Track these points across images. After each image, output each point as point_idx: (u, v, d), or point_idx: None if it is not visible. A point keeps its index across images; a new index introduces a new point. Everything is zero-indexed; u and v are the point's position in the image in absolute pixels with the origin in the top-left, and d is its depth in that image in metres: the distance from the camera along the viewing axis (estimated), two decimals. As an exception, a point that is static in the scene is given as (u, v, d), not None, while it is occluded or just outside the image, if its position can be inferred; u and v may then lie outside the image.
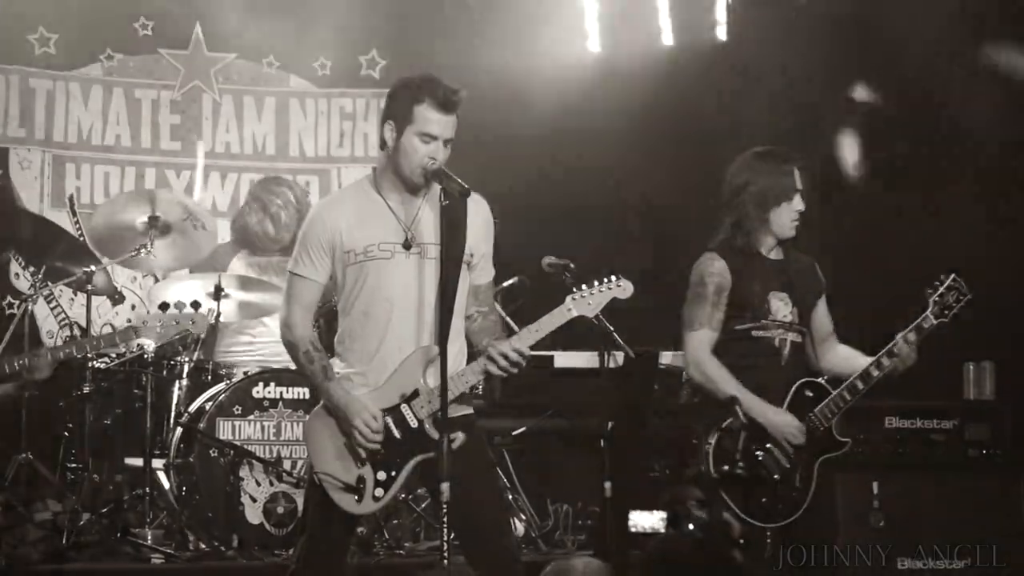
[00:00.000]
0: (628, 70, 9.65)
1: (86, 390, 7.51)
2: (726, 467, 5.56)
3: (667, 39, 9.69)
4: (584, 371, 6.48)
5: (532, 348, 5.08)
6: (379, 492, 5.06)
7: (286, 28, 9.73)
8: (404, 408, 5.07)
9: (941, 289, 5.73)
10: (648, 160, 9.38)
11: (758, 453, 5.62)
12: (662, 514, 5.05)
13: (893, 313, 6.00)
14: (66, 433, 7.61)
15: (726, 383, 5.68)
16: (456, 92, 5.11)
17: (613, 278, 5.22)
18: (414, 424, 5.05)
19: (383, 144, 5.19)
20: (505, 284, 7.79)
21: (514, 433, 7.91)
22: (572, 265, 6.34)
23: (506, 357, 5.01)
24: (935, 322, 5.72)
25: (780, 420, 5.67)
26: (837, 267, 6.21)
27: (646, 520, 4.93)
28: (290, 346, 5.23)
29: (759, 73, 9.33)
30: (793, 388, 5.74)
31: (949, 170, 8.76)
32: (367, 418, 5.03)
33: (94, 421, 7.60)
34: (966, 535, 6.82)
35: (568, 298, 5.17)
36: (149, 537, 7.20)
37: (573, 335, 5.82)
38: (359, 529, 6.74)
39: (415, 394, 5.06)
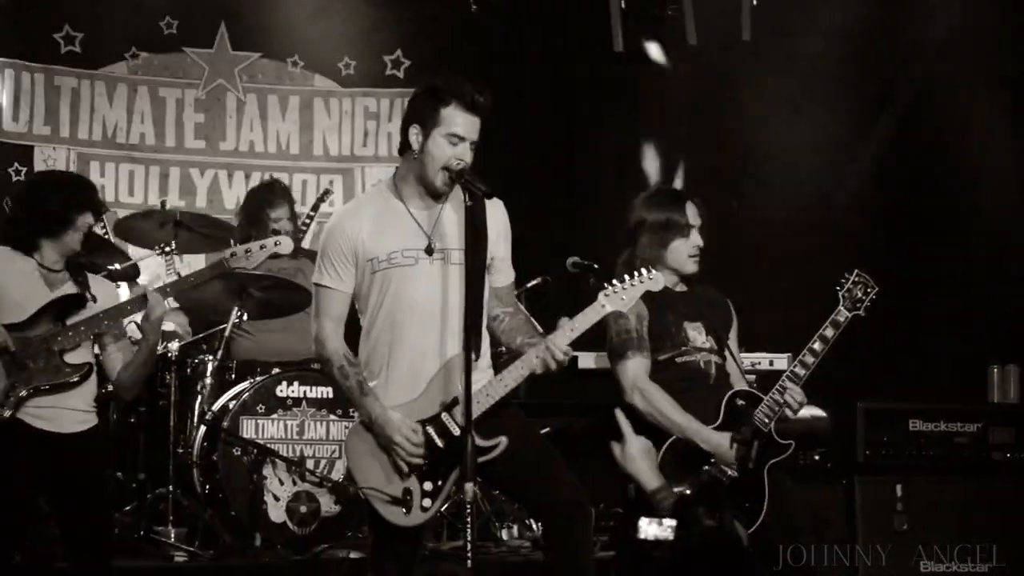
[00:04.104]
0: (652, 69, 9.65)
1: (110, 388, 7.52)
2: (675, 488, 5.58)
3: (691, 38, 9.67)
4: (608, 372, 6.46)
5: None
6: (427, 502, 5.05)
7: (311, 27, 9.75)
8: (445, 417, 5.05)
9: (848, 285, 5.84)
10: (672, 160, 9.39)
11: (705, 468, 5.64)
12: (671, 522, 5.02)
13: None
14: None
15: (669, 408, 5.72)
16: (482, 93, 5.09)
17: (644, 271, 5.23)
18: (456, 432, 5.01)
19: (405, 147, 5.16)
20: (529, 285, 7.79)
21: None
22: (597, 266, 6.34)
23: (554, 357, 5.02)
24: (849, 315, 5.81)
25: (715, 441, 5.69)
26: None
27: (654, 528, 4.90)
28: (324, 361, 5.20)
29: (783, 73, 9.32)
30: (725, 399, 5.77)
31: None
32: (407, 432, 5.01)
33: (118, 420, 7.62)
34: (990, 538, 6.81)
35: (601, 294, 5.17)
36: (172, 535, 7.20)
37: (597, 336, 5.83)
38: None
39: (455, 402, 5.02)
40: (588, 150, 9.55)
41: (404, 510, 5.03)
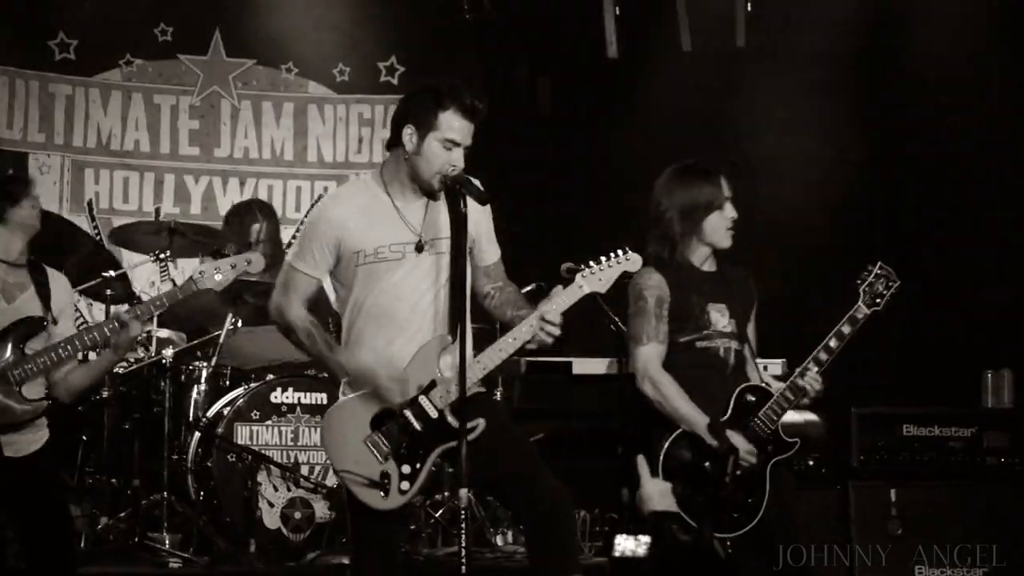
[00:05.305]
0: (646, 76, 9.65)
1: (105, 395, 7.54)
2: (677, 481, 5.54)
3: (686, 45, 9.66)
4: (602, 377, 6.47)
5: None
6: (405, 485, 5.04)
7: (305, 34, 9.76)
8: (423, 399, 5.06)
9: (869, 278, 5.64)
10: (666, 165, 9.38)
11: (706, 465, 5.58)
12: (646, 539, 5.00)
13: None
14: (84, 438, 7.63)
15: (678, 400, 5.60)
16: (479, 99, 5.13)
17: (620, 252, 5.20)
18: (434, 415, 5.04)
19: (395, 144, 5.18)
20: (524, 291, 7.77)
21: (531, 439, 7.91)
22: (591, 271, 6.32)
23: (550, 326, 5.03)
24: (868, 311, 5.62)
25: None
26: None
27: (630, 545, 4.89)
28: (287, 329, 5.22)
29: (778, 77, 9.32)
30: (734, 394, 5.65)
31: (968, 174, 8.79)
32: (388, 368, 5.03)
33: (113, 426, 7.63)
34: (984, 543, 6.80)
35: (578, 275, 5.15)
36: (167, 542, 7.21)
37: (591, 341, 5.83)
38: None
39: (432, 385, 5.05)
40: (583, 155, 9.55)
41: (382, 493, 5.02)
